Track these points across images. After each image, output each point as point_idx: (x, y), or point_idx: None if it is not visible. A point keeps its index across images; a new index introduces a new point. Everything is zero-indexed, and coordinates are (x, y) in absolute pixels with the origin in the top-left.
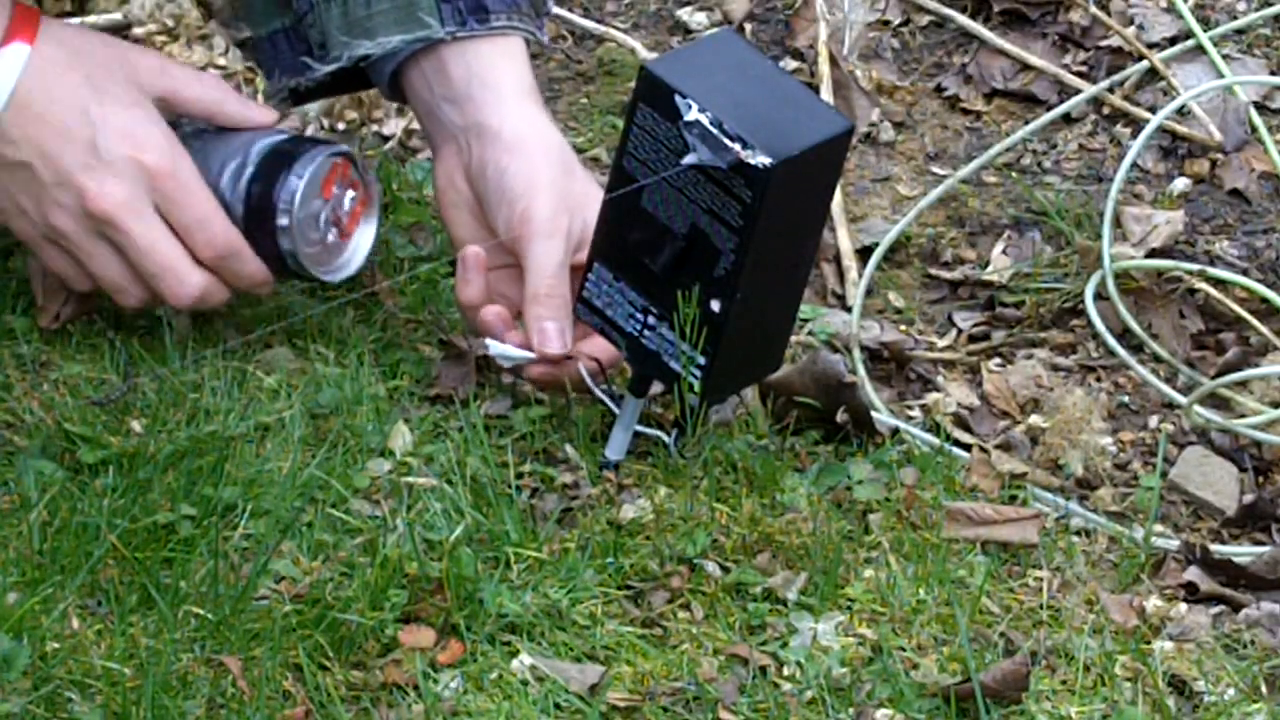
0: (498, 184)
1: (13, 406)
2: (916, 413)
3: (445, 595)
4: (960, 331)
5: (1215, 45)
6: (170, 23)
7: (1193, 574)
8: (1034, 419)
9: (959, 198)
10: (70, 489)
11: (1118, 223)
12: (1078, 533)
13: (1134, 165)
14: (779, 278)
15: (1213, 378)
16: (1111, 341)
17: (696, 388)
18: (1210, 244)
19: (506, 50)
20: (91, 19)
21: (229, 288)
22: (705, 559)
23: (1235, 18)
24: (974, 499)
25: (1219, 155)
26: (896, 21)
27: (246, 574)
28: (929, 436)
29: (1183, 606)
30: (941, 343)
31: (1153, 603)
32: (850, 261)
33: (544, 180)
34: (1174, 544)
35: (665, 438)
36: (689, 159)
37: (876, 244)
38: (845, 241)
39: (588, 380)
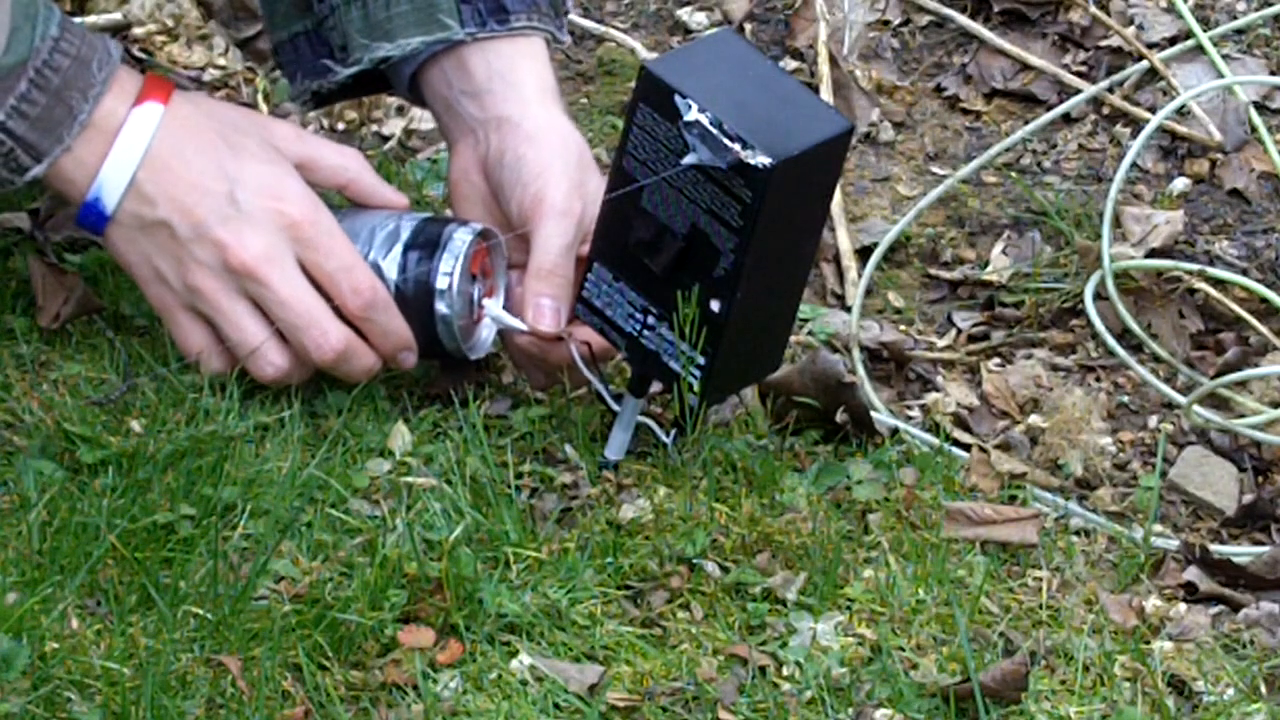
0: (514, 170)
1: (12, 406)
2: (916, 413)
3: (445, 595)
4: (960, 331)
5: (1215, 45)
6: (170, 23)
7: (1192, 574)
8: (1033, 419)
9: (959, 198)
10: (70, 489)
11: (1117, 223)
12: (1077, 533)
13: (1134, 165)
14: (779, 278)
15: (1212, 378)
16: (1111, 341)
17: (696, 388)
18: (1210, 244)
19: (528, 50)
20: (91, 19)
21: (374, 351)
22: (705, 559)
23: (1235, 18)
24: (973, 499)
25: (1219, 155)
26: (896, 21)
27: (246, 574)
28: (928, 436)
29: (1182, 606)
30: (941, 343)
31: (1152, 603)
32: (850, 261)
33: (560, 167)
34: (1173, 544)
35: (664, 437)
36: (689, 159)
37: (876, 244)
38: (845, 241)
39: (578, 361)
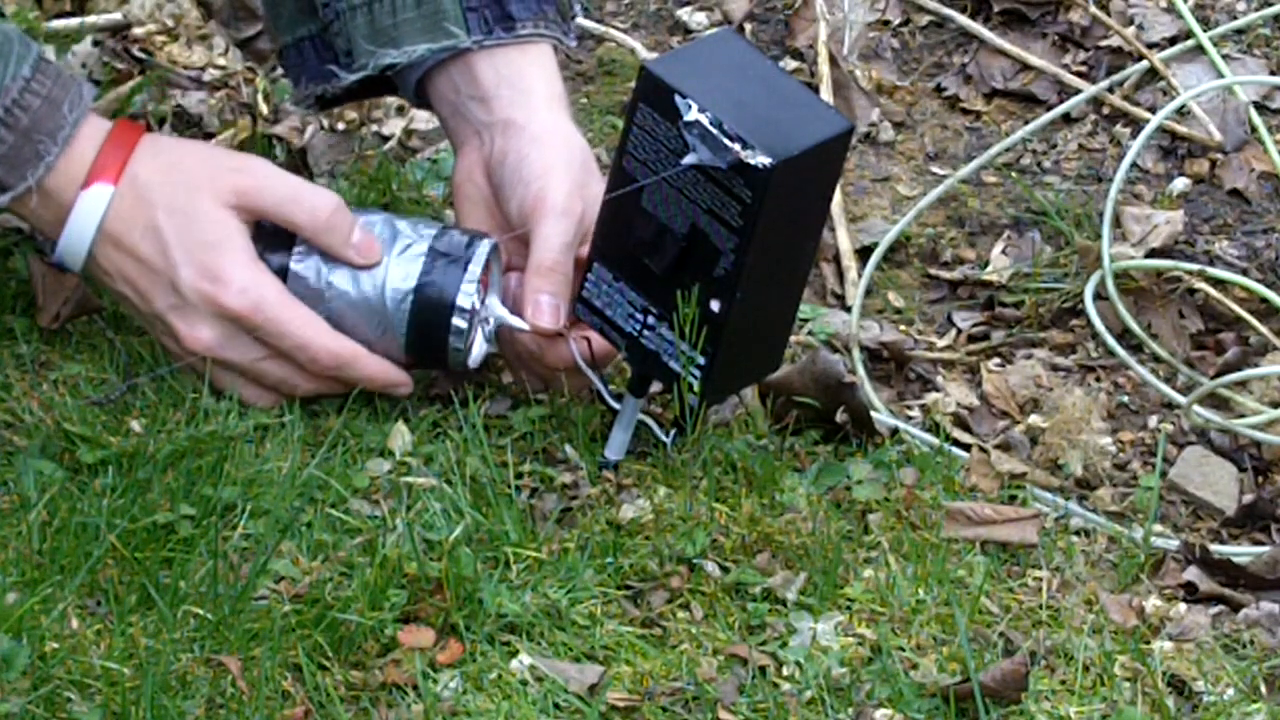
0: (516, 169)
1: (12, 406)
2: (916, 413)
3: (445, 595)
4: (960, 331)
5: (1215, 45)
6: (170, 23)
7: (1192, 574)
8: (1033, 419)
9: (959, 198)
10: (70, 489)
11: (1117, 223)
12: (1077, 533)
13: (1134, 165)
14: (779, 278)
15: (1212, 378)
16: (1111, 341)
17: (696, 388)
18: (1210, 244)
19: (537, 58)
20: (91, 19)
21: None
22: (705, 559)
23: (1235, 18)
24: (973, 499)
25: (1219, 155)
26: (896, 21)
27: (246, 574)
28: (928, 436)
29: (1182, 606)
30: (941, 343)
31: (1152, 603)
32: (850, 261)
33: (562, 168)
34: (1173, 544)
35: (664, 437)
36: (689, 159)
37: (876, 244)
38: (845, 241)
39: (578, 359)
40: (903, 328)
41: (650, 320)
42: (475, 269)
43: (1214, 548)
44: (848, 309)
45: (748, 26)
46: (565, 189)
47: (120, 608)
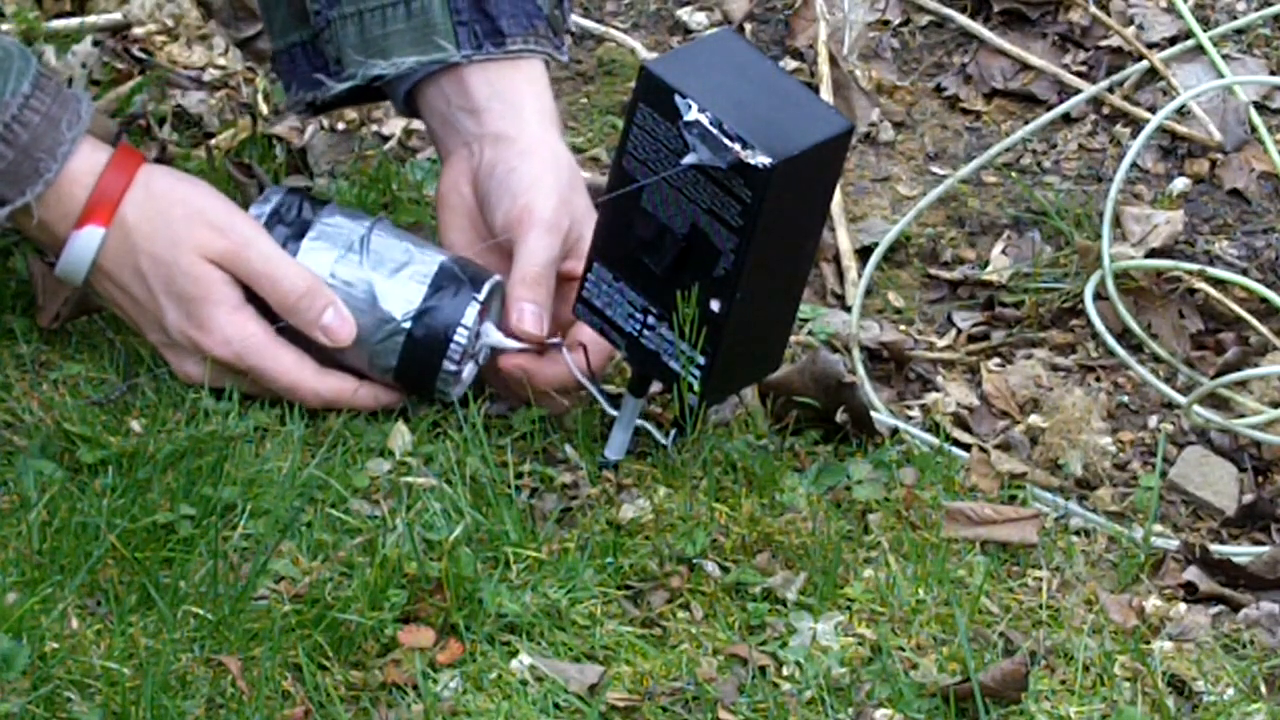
0: (504, 181)
1: (12, 406)
2: (916, 413)
3: (445, 595)
4: (960, 331)
5: (1215, 45)
6: (170, 23)
7: (1192, 574)
8: (1033, 419)
9: (959, 198)
10: (70, 489)
11: (1117, 223)
12: (1077, 533)
13: (1134, 165)
14: (779, 278)
15: (1212, 378)
16: (1111, 341)
17: (696, 388)
18: (1210, 244)
19: (529, 74)
20: (91, 19)
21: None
22: (705, 559)
23: (1235, 18)
24: (973, 499)
25: (1219, 155)
26: (896, 21)
27: (246, 574)
28: (928, 436)
29: (1182, 606)
30: (941, 343)
31: (1152, 603)
32: (850, 261)
33: (550, 182)
34: (1173, 544)
35: (663, 438)
36: (689, 159)
37: (876, 244)
38: (845, 241)
39: (573, 369)
40: (903, 328)
41: (650, 320)
42: (473, 314)
43: (1214, 548)
44: (848, 309)
45: (748, 26)
46: (553, 203)
47: (120, 608)
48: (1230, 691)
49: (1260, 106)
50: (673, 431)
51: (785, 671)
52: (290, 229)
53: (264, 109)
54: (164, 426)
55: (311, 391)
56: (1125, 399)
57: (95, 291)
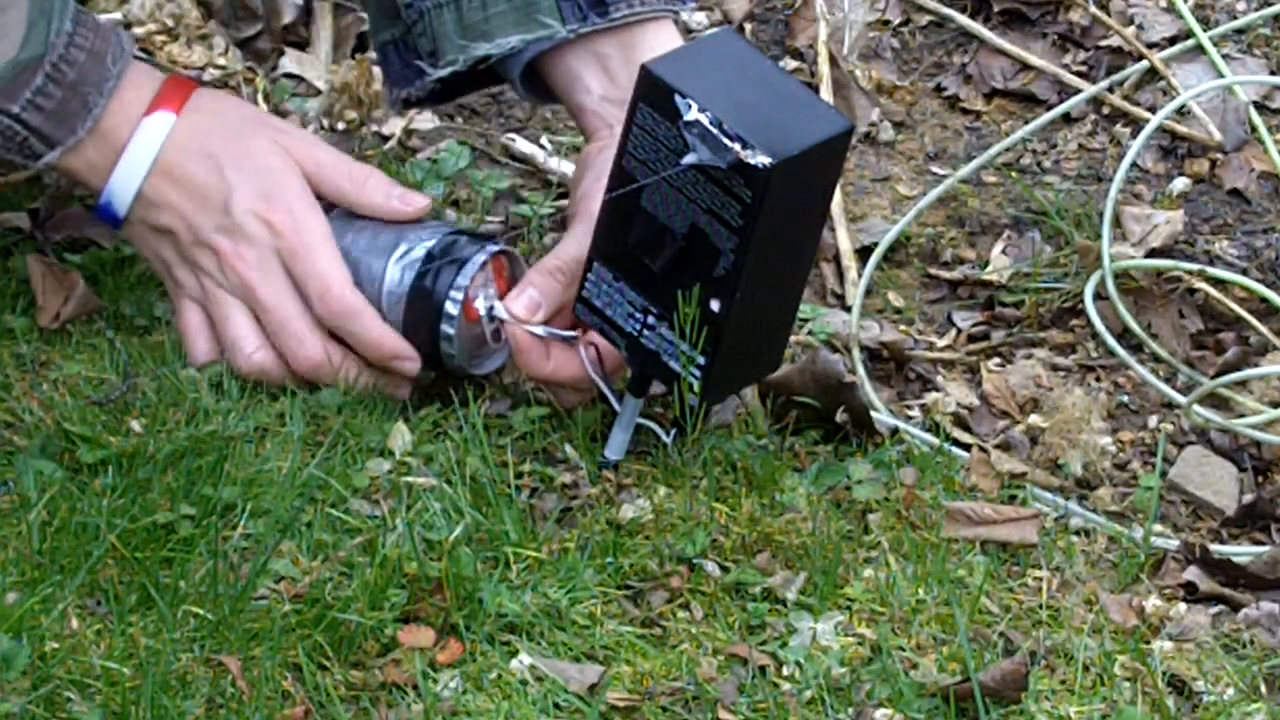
0: (595, 160)
1: (12, 406)
2: (916, 412)
3: (445, 595)
4: (960, 331)
5: (1215, 45)
6: (170, 23)
7: (1192, 574)
8: (1033, 419)
9: (959, 198)
10: (70, 489)
11: (1117, 222)
12: (1077, 533)
13: (1134, 165)
14: (779, 278)
15: (1212, 377)
16: (1111, 341)
17: (696, 388)
18: (1210, 244)
19: (664, 42)
20: None
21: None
22: (705, 559)
23: (1235, 18)
24: (973, 499)
25: (1219, 155)
26: (896, 21)
27: (246, 574)
28: (928, 436)
29: (1182, 606)
30: (941, 342)
31: (1152, 602)
32: (850, 261)
33: None
34: (1173, 544)
35: (664, 436)
36: (689, 159)
37: (876, 244)
38: (845, 241)
39: (586, 365)
40: (903, 328)
41: (650, 320)
42: (468, 275)
43: (1214, 548)
44: (848, 309)
45: (748, 26)
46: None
47: (120, 608)
48: (1230, 691)
49: (1260, 106)
50: (673, 431)
51: (785, 671)
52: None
53: (264, 108)
54: (164, 426)
55: (342, 289)
56: (1125, 399)
57: (144, 205)
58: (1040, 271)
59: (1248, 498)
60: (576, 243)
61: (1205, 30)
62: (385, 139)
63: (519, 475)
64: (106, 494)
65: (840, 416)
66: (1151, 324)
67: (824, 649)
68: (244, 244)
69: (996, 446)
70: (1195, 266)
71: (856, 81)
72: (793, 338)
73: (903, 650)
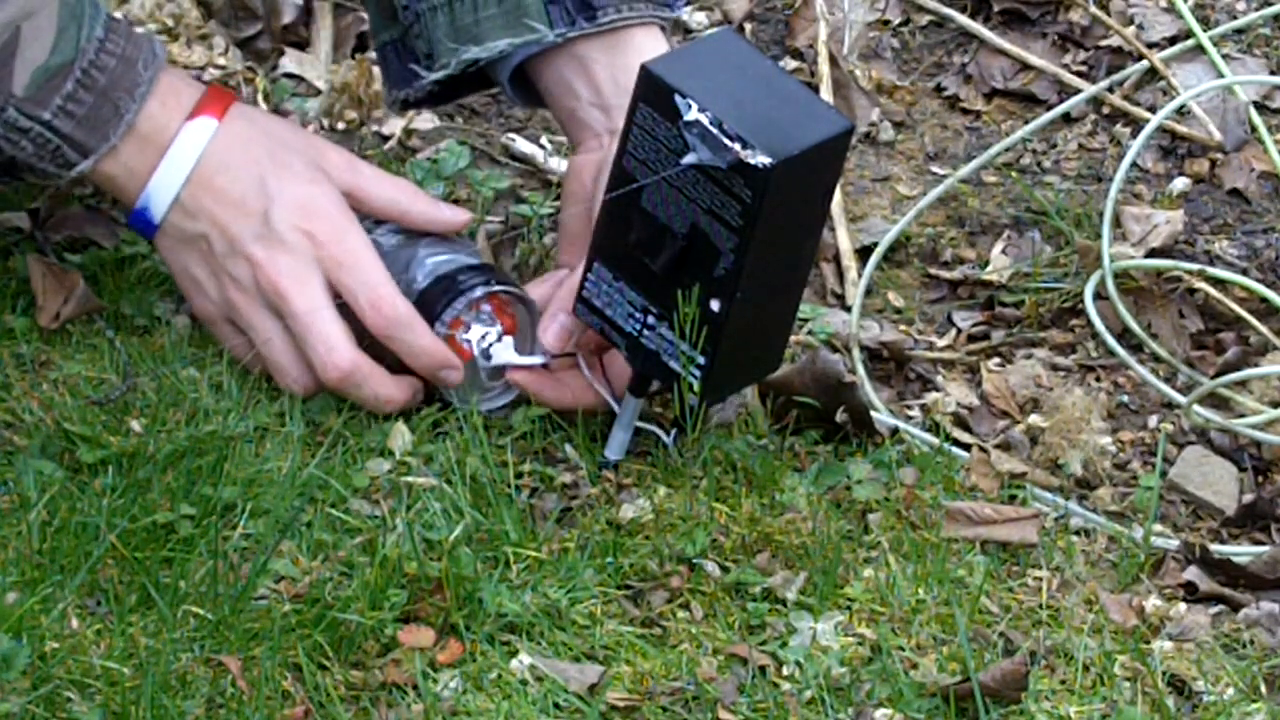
0: (588, 174)
1: (12, 406)
2: (916, 412)
3: (445, 595)
4: (960, 331)
5: (1215, 45)
6: (170, 23)
7: (1192, 574)
8: (1033, 419)
9: (959, 197)
10: (70, 489)
11: (1117, 222)
12: (1077, 532)
13: (1134, 165)
14: (779, 278)
15: (1212, 377)
16: (1111, 341)
17: (696, 388)
18: (1210, 244)
19: (649, 50)
20: None
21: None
22: (705, 559)
23: (1235, 18)
24: (973, 499)
25: (1219, 155)
26: (896, 21)
27: (246, 574)
28: (928, 436)
29: (1182, 606)
30: (941, 342)
31: (1152, 602)
32: (850, 261)
33: None
34: (1174, 544)
35: (664, 437)
36: (689, 159)
37: (876, 244)
38: (845, 241)
39: (587, 374)
40: (903, 327)
41: (650, 320)
42: (457, 310)
43: (1214, 548)
44: (848, 309)
45: (748, 26)
46: None
47: (120, 608)
48: (1230, 691)
49: (1260, 106)
50: (673, 431)
51: (785, 671)
52: None
53: (264, 108)
54: (164, 426)
55: (392, 297)
56: (1125, 399)
57: (180, 213)
58: (1040, 271)
59: (1248, 498)
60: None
61: (1205, 30)
62: (385, 139)
63: (519, 475)
64: (106, 494)
65: (840, 416)
66: (1151, 324)
67: (824, 649)
68: (281, 253)
69: (996, 446)
70: (1195, 266)
71: (856, 81)
72: (793, 338)
73: (903, 650)
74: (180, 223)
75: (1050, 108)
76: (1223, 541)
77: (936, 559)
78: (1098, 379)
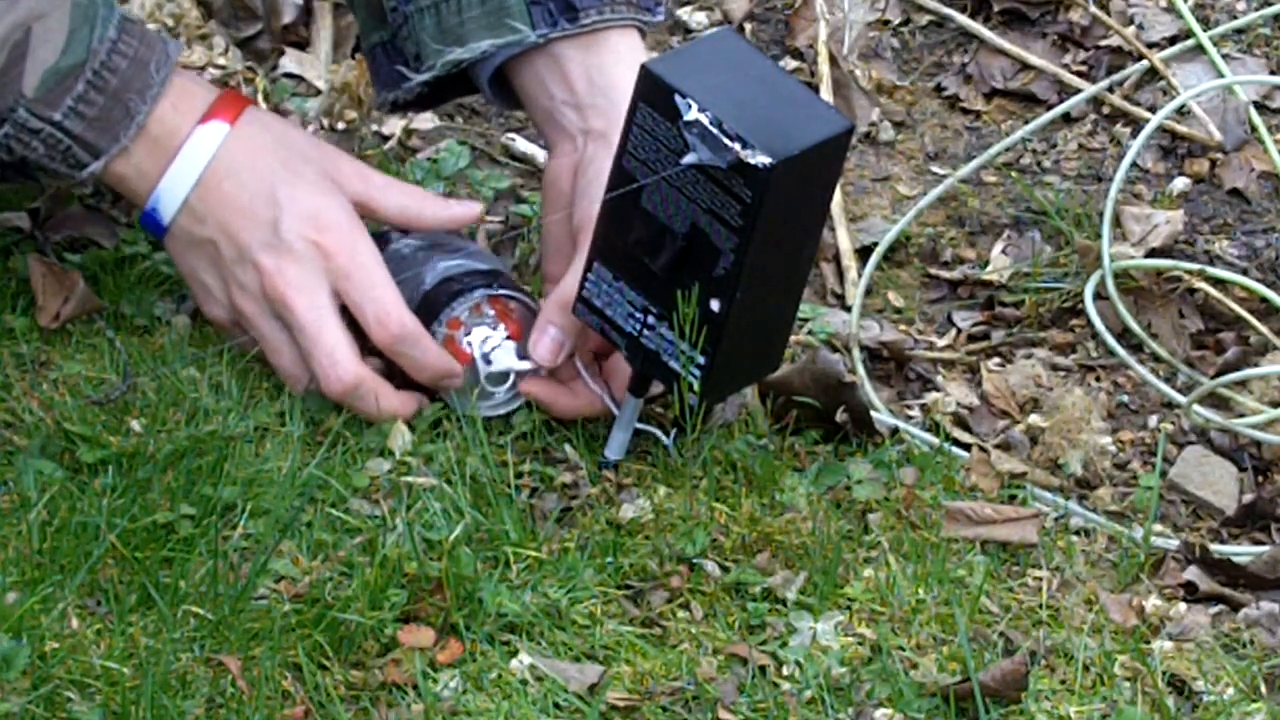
0: (592, 182)
1: (13, 406)
2: (916, 412)
3: (445, 595)
4: (960, 331)
5: (1215, 45)
6: (170, 22)
7: (1192, 574)
8: (1033, 419)
9: (959, 197)
10: (70, 488)
11: (1117, 222)
12: (1077, 532)
13: (1134, 165)
14: (779, 277)
15: (1212, 377)
16: (1111, 341)
17: (696, 388)
18: (1210, 244)
19: (622, 55)
20: None
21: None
22: (705, 559)
23: (1235, 17)
24: (973, 498)
25: (1219, 155)
26: (896, 21)
27: (246, 574)
28: (928, 436)
29: (1182, 606)
30: (941, 342)
31: (1152, 602)
32: (850, 261)
33: None
34: (1173, 544)
35: (664, 437)
36: (689, 159)
37: (876, 244)
38: (845, 241)
39: (584, 376)
40: (903, 327)
41: (650, 320)
42: (454, 313)
43: (1214, 547)
44: (848, 309)
45: (748, 26)
46: None
47: (120, 608)
48: (1230, 691)
49: (1260, 106)
50: (673, 431)
51: (785, 671)
52: None
53: (264, 107)
54: (164, 426)
55: (399, 311)
56: (1125, 399)
57: (189, 217)
58: (1040, 271)
59: (1248, 498)
60: (574, 276)
61: (1205, 30)
62: (385, 139)
63: (519, 475)
64: (106, 494)
65: (840, 416)
66: (1151, 324)
67: (824, 649)
68: (289, 262)
69: (996, 446)
70: (1195, 266)
71: (856, 81)
72: (793, 338)
73: (903, 650)
74: (189, 227)
75: (1050, 108)
76: (1223, 541)
77: (936, 559)
78: (1098, 379)
